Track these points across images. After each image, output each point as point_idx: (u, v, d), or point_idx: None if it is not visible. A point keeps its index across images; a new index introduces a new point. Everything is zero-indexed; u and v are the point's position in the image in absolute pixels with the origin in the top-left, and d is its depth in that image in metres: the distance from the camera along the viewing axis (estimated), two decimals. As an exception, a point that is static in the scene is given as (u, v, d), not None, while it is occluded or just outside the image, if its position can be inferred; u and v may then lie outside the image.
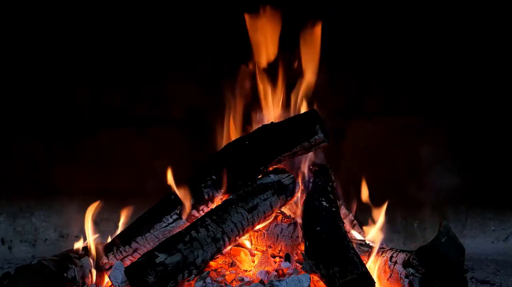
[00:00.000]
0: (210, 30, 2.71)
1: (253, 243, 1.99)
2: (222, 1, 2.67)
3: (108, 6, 2.66)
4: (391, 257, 1.75)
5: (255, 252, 1.95)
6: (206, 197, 1.88)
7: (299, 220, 1.90)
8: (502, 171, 2.84)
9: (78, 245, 1.95)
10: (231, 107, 2.16)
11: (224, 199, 1.87)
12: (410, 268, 1.62)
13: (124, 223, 2.01)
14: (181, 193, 1.85)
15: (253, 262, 1.88)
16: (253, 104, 2.16)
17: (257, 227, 1.90)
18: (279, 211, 1.98)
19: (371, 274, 1.55)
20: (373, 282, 1.52)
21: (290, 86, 2.14)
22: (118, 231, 1.98)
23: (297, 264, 1.82)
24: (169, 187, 1.89)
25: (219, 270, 1.78)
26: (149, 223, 1.88)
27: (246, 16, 2.12)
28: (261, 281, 1.69)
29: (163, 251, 1.60)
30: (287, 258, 1.85)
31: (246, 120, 2.14)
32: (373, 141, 2.80)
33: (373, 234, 1.98)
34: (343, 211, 2.11)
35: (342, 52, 2.73)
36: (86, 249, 1.90)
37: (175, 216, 1.86)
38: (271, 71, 2.16)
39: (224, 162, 1.89)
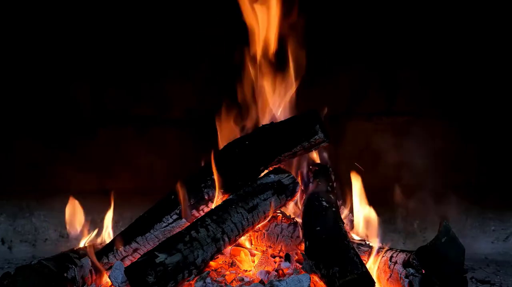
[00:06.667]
0: (211, 30, 2.71)
1: (253, 243, 1.99)
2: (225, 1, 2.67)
3: (108, 7, 2.66)
4: (391, 257, 1.75)
5: (255, 252, 1.95)
6: (206, 197, 1.88)
7: (299, 220, 1.90)
8: (502, 171, 2.83)
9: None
10: (231, 107, 2.16)
11: (224, 199, 1.87)
12: (410, 268, 1.62)
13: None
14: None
15: (253, 262, 1.87)
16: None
17: (257, 227, 1.90)
18: (279, 211, 1.98)
19: (371, 274, 1.55)
20: (373, 282, 1.52)
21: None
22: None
23: (297, 264, 1.82)
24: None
25: (219, 270, 1.78)
26: (149, 223, 1.88)
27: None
28: (261, 281, 1.69)
29: (163, 251, 1.60)
30: (287, 258, 1.85)
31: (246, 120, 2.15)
32: (373, 141, 2.80)
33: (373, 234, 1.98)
34: (343, 211, 2.11)
35: (342, 52, 2.73)
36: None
37: (175, 216, 1.86)
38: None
39: (224, 162, 1.89)
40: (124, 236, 1.90)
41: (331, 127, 1.98)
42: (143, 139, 2.77)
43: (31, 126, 2.74)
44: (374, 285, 1.53)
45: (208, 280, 1.66)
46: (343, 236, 1.70)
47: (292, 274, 1.72)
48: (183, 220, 1.85)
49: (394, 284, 1.68)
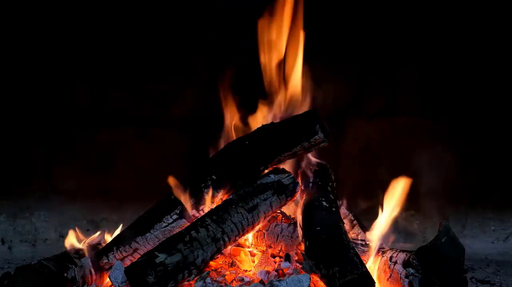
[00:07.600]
0: (211, 31, 2.71)
1: (253, 243, 1.99)
2: (225, 2, 2.68)
3: (108, 8, 2.66)
4: (391, 257, 1.75)
5: (255, 252, 1.95)
6: (206, 197, 1.88)
7: (299, 220, 1.90)
8: (502, 171, 2.83)
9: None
10: (231, 107, 2.16)
11: (224, 199, 1.87)
12: (410, 268, 1.62)
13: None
14: (182, 194, 1.85)
15: (253, 262, 1.88)
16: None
17: (257, 227, 1.90)
18: (279, 211, 1.98)
19: (371, 274, 1.55)
20: (373, 282, 1.52)
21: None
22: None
23: (297, 264, 1.82)
24: (170, 187, 1.89)
25: (219, 270, 1.78)
26: (149, 223, 1.88)
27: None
28: (261, 281, 1.69)
29: (163, 251, 1.60)
30: (287, 258, 1.85)
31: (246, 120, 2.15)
32: (373, 141, 2.80)
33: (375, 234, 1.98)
34: (343, 211, 2.11)
35: (342, 52, 2.73)
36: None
37: (175, 216, 1.86)
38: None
39: (224, 162, 1.89)
40: (124, 236, 1.90)
41: (331, 127, 1.98)
42: (143, 139, 2.77)
43: (31, 126, 2.74)
44: (374, 285, 1.53)
45: (208, 280, 1.66)
46: (343, 236, 1.70)
47: (292, 274, 1.72)
48: (183, 220, 1.85)
49: (394, 284, 1.68)
